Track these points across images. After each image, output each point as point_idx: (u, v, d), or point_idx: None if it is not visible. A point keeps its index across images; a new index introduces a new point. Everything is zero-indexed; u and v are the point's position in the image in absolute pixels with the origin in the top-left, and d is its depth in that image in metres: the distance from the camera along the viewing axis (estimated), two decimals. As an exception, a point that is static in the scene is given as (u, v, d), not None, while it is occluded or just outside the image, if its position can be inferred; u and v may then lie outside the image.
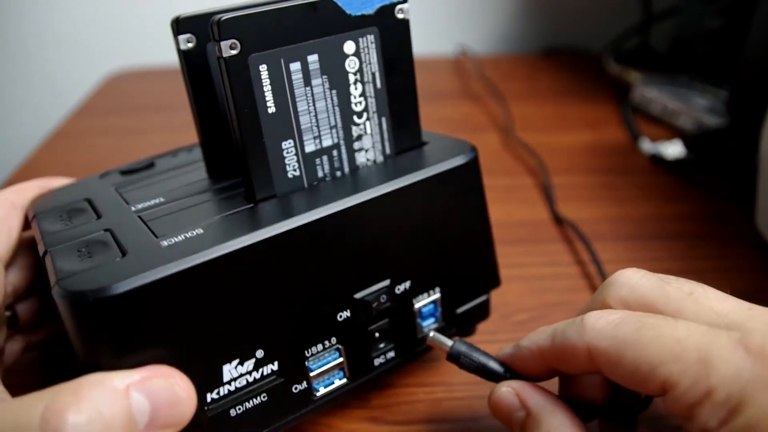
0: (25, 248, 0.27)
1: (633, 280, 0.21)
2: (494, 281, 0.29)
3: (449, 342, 0.24)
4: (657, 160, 0.50)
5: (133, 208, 0.25)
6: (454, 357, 0.24)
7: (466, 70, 0.74)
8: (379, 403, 0.29)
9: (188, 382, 0.20)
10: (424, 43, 0.81)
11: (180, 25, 0.25)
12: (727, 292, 0.20)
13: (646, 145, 0.52)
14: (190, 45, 0.26)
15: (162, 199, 0.26)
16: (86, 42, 0.80)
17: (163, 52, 0.78)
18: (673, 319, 0.18)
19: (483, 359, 0.24)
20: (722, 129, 0.49)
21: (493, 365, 0.23)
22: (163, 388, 0.19)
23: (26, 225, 0.27)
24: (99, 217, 0.25)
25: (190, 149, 0.32)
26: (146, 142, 0.59)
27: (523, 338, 0.23)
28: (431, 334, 0.25)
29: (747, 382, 0.16)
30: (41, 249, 0.23)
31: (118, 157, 0.56)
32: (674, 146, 0.49)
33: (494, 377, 0.23)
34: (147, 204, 0.25)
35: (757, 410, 0.16)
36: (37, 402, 0.17)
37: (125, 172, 0.30)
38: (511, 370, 0.23)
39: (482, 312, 0.29)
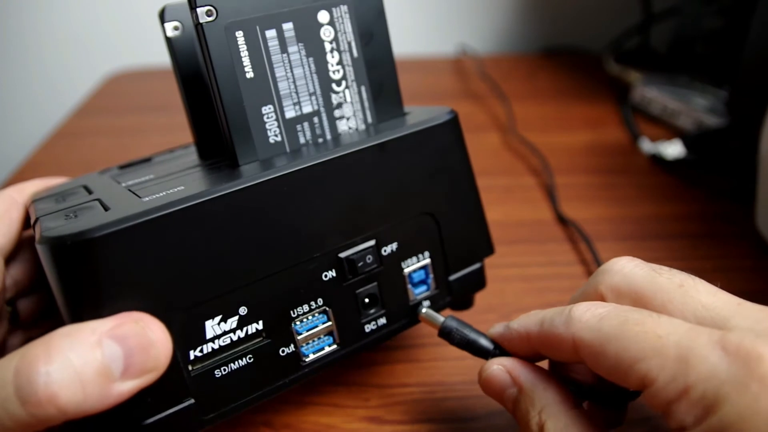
0: (27, 244, 0.27)
1: (626, 268, 0.22)
2: (487, 248, 0.29)
3: (441, 318, 0.25)
4: (657, 160, 0.50)
5: (123, 185, 0.26)
6: (446, 332, 0.24)
7: (467, 69, 0.74)
8: (380, 403, 0.29)
9: (160, 325, 0.20)
10: (424, 43, 0.81)
11: (166, 13, 0.27)
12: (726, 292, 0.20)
13: (646, 145, 0.52)
14: (177, 32, 0.27)
15: (152, 176, 0.27)
16: (86, 42, 0.80)
17: (163, 52, 0.78)
18: (657, 315, 0.19)
19: (474, 335, 0.24)
20: (722, 129, 0.49)
21: (484, 342, 0.24)
22: (134, 332, 0.19)
23: (28, 224, 0.27)
24: (91, 193, 0.25)
25: (186, 146, 0.33)
26: (146, 142, 0.59)
27: (514, 319, 0.23)
28: (424, 309, 0.25)
29: (722, 381, 0.16)
30: (33, 220, 0.23)
31: (118, 157, 0.56)
32: (674, 146, 0.49)
33: (484, 354, 0.24)
34: (138, 180, 0.26)
35: (731, 410, 0.16)
36: (12, 358, 0.18)
37: (123, 167, 0.31)
38: (501, 348, 0.24)
39: (477, 281, 0.29)
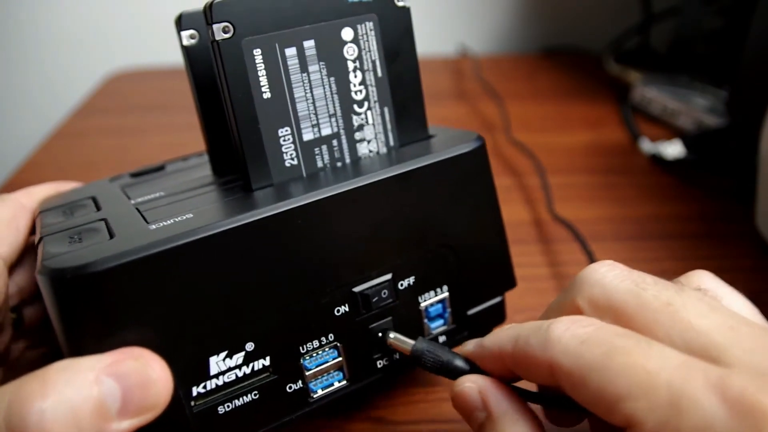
0: (33, 251, 0.27)
1: (606, 279, 0.19)
2: (509, 282, 0.28)
3: (411, 341, 0.23)
4: (657, 160, 0.50)
5: (132, 201, 0.25)
6: (417, 356, 0.22)
7: (467, 70, 0.74)
8: (381, 403, 0.29)
9: (161, 362, 0.19)
10: (424, 43, 0.81)
11: (183, 21, 0.26)
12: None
13: (646, 145, 0.52)
14: (193, 41, 0.26)
15: (162, 193, 0.25)
16: (86, 42, 0.80)
17: (163, 52, 0.78)
18: (647, 343, 0.17)
19: (448, 356, 0.22)
20: (722, 129, 0.49)
21: (459, 363, 0.22)
22: (134, 369, 0.18)
23: (35, 228, 0.27)
24: (99, 209, 0.24)
25: (201, 154, 0.32)
26: (146, 142, 0.59)
27: (488, 335, 0.21)
28: (391, 335, 0.24)
29: None
30: (37, 239, 0.23)
31: (118, 157, 0.57)
32: (674, 146, 0.49)
33: (460, 376, 0.22)
34: (147, 197, 0.25)
35: None
36: (5, 390, 0.17)
37: (135, 175, 0.30)
38: (477, 368, 0.22)
39: (496, 315, 0.28)
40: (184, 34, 0.26)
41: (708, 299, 0.18)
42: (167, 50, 0.77)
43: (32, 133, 0.72)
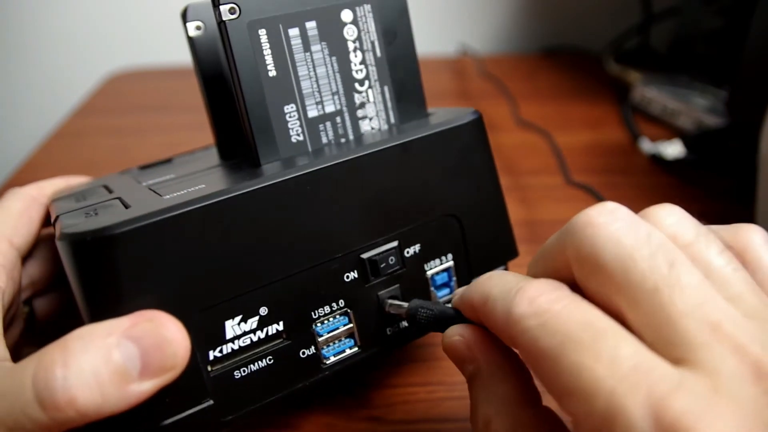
0: (45, 243, 0.27)
1: (599, 235, 0.17)
2: (511, 251, 0.28)
3: (406, 303, 0.24)
4: (657, 160, 0.50)
5: (144, 184, 0.26)
6: (412, 314, 0.23)
7: (467, 69, 0.74)
8: (380, 403, 0.29)
9: (177, 323, 0.19)
10: (424, 43, 0.81)
11: (189, 13, 0.27)
12: None
13: (646, 145, 0.52)
14: (199, 32, 0.27)
15: (173, 176, 0.27)
16: (86, 42, 0.80)
17: (163, 52, 0.78)
18: (603, 340, 0.15)
19: (440, 308, 0.22)
20: (722, 129, 0.49)
21: (450, 313, 0.22)
22: (150, 331, 0.19)
23: (47, 222, 0.27)
24: (111, 192, 0.25)
25: (207, 148, 0.33)
26: (146, 142, 0.59)
27: (470, 284, 0.21)
28: (388, 302, 0.24)
29: None
30: (53, 218, 0.23)
31: (118, 157, 0.57)
32: (674, 146, 0.49)
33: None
34: (158, 180, 0.26)
35: None
36: (30, 362, 0.18)
37: (144, 167, 0.31)
38: (463, 316, 0.22)
39: None
40: (190, 25, 0.27)
41: (715, 280, 0.16)
42: (167, 50, 0.77)
43: (32, 133, 0.72)
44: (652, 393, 0.14)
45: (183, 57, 0.77)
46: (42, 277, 0.27)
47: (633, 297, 0.16)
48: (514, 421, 0.18)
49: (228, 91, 0.28)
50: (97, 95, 0.72)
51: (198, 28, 0.27)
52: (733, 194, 0.45)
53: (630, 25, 0.73)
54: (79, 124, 0.65)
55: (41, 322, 0.27)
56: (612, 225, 0.17)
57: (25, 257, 0.26)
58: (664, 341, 0.15)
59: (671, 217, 0.18)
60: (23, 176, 0.54)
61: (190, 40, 0.27)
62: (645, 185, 0.47)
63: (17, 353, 0.26)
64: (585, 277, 0.17)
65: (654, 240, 0.17)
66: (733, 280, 0.17)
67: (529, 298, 0.17)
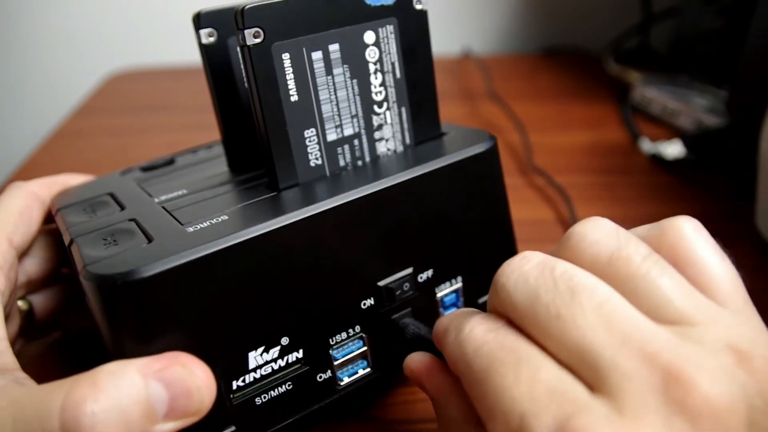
0: (43, 240, 0.27)
1: (511, 280, 0.18)
2: None
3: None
4: (657, 159, 0.50)
5: (156, 200, 0.26)
6: (402, 328, 0.25)
7: (469, 70, 0.74)
8: (380, 403, 0.29)
9: (207, 369, 0.20)
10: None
11: (201, 20, 0.26)
12: None
13: (646, 145, 0.52)
14: (212, 39, 0.26)
15: (185, 191, 0.26)
16: (86, 42, 0.80)
17: (163, 52, 0.78)
18: (526, 364, 0.17)
19: (424, 331, 0.24)
20: (722, 129, 0.49)
21: (428, 338, 0.23)
22: (181, 376, 0.19)
23: (48, 218, 0.27)
24: (122, 208, 0.25)
25: (209, 146, 0.33)
26: (146, 142, 0.59)
27: (446, 314, 0.22)
28: (411, 328, 0.25)
29: None
30: (67, 239, 0.23)
31: (118, 157, 0.57)
32: (674, 146, 0.49)
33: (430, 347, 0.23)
34: (170, 195, 0.26)
35: None
36: (57, 391, 0.18)
37: (146, 169, 0.30)
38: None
39: None
40: (203, 32, 0.26)
41: (638, 291, 0.17)
42: (167, 50, 0.77)
43: (32, 133, 0.72)
44: (557, 418, 0.15)
45: (183, 57, 0.78)
46: (39, 274, 0.27)
47: (544, 328, 0.17)
48: None
49: (240, 101, 0.28)
50: (97, 95, 0.72)
51: (210, 35, 0.26)
52: (733, 194, 0.44)
53: (630, 25, 0.73)
54: (79, 124, 0.65)
55: (39, 319, 0.27)
56: (523, 267, 0.19)
57: (22, 255, 0.26)
58: (578, 364, 0.16)
59: (594, 233, 0.19)
60: (24, 176, 0.53)
61: (203, 47, 0.26)
62: (645, 185, 0.47)
63: (15, 351, 0.26)
64: (511, 316, 0.19)
65: (557, 273, 0.18)
66: (656, 288, 0.17)
67: (470, 329, 0.19)
